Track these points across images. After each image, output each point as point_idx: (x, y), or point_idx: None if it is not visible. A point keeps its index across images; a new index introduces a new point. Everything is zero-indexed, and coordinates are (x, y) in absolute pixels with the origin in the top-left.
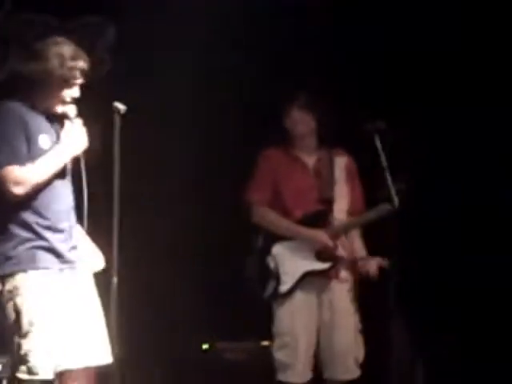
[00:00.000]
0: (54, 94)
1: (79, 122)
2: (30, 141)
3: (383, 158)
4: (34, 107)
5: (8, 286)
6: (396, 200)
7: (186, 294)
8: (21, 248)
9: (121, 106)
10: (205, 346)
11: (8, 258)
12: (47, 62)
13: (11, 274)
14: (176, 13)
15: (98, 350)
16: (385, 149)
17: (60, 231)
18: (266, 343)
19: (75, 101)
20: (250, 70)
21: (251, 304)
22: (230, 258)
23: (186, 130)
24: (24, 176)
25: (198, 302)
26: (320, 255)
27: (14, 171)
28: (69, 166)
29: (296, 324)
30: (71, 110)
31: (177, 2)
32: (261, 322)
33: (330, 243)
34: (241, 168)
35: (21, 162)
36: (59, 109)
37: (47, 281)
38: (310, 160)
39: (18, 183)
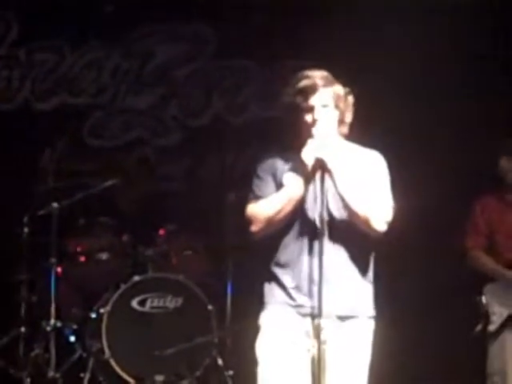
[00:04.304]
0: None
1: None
2: (277, 182)
3: None
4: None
5: None
6: None
7: None
8: None
9: None
10: None
11: None
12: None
13: None
14: None
15: None
16: None
17: None
18: None
19: None
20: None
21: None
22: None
23: None
24: (254, 211)
25: None
26: None
27: (249, 208)
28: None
29: (504, 364)
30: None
31: None
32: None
33: None
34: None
35: None
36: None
37: None
38: None
39: (250, 220)
